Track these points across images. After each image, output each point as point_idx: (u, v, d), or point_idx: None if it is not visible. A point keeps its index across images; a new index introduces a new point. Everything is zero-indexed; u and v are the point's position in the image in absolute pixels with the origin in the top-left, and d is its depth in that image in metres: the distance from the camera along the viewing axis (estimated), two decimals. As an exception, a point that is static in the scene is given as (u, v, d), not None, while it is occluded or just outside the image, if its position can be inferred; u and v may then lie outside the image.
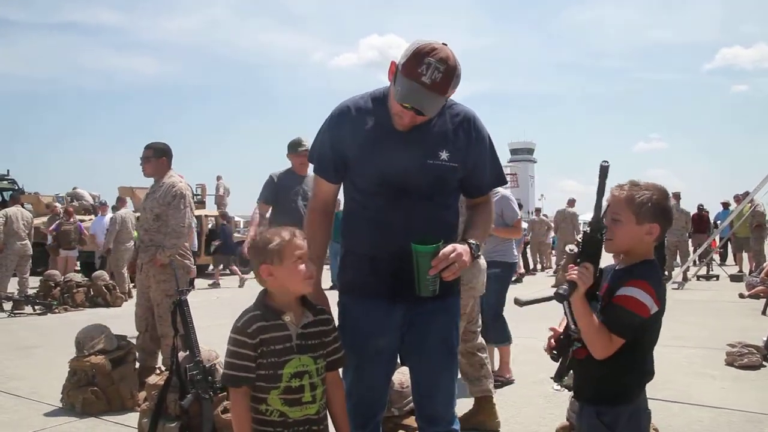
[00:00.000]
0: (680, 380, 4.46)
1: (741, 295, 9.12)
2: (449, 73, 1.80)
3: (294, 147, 4.75)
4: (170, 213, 4.32)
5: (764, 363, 4.93)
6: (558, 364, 1.84)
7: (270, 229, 1.90)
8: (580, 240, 1.75)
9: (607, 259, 1.81)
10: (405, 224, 1.91)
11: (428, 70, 1.78)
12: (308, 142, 4.41)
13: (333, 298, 2.06)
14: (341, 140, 2.00)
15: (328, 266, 10.81)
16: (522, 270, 14.46)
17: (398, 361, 2.32)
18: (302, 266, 1.82)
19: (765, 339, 5.09)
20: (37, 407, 4.02)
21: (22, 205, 10.44)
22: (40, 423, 3.72)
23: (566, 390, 1.89)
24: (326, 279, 2.36)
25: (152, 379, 3.34)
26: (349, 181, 2.07)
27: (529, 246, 15.81)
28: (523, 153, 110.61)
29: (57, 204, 14.42)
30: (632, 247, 1.80)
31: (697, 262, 12.68)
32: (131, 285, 9.20)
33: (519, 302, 1.79)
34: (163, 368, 3.88)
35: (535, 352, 4.23)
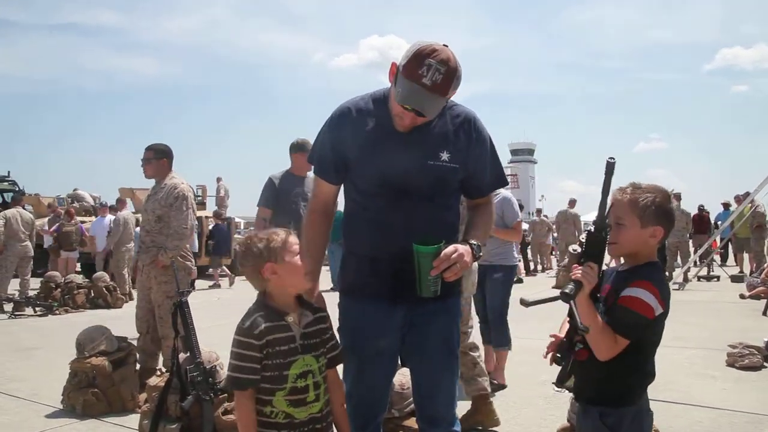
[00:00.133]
0: (681, 381, 4.46)
1: (742, 296, 9.12)
2: (450, 75, 1.80)
3: (300, 147, 4.73)
4: (172, 214, 4.32)
5: (765, 364, 4.92)
6: (560, 368, 1.83)
7: (261, 232, 1.91)
8: (583, 240, 1.75)
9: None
10: (405, 225, 1.92)
11: (429, 72, 1.78)
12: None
13: (331, 299, 2.06)
14: (342, 141, 2.01)
15: (326, 267, 10.86)
16: (523, 271, 14.46)
17: (398, 362, 2.32)
18: (300, 262, 1.85)
19: (766, 340, 5.08)
20: (37, 409, 4.01)
21: (23, 207, 10.45)
22: (41, 424, 3.72)
23: (567, 391, 1.88)
24: (326, 281, 2.35)
25: (153, 381, 3.34)
26: (349, 183, 2.07)
27: (529, 247, 15.81)
28: (523, 153, 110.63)
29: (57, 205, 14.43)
30: (637, 250, 1.80)
31: (698, 263, 12.68)
32: (132, 286, 9.22)
33: (525, 303, 1.78)
34: (163, 369, 3.87)
35: (536, 353, 4.22)
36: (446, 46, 1.83)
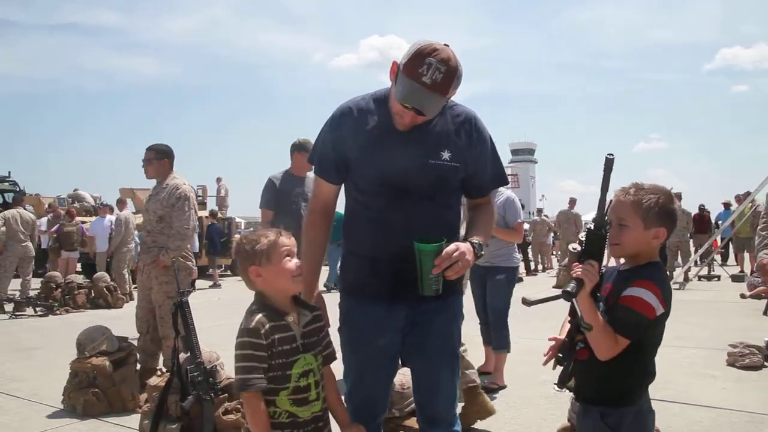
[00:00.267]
0: (681, 380, 4.46)
1: (742, 296, 9.11)
2: (450, 74, 1.80)
3: (301, 147, 4.72)
4: (174, 215, 4.33)
5: (766, 363, 4.92)
6: (561, 369, 1.82)
7: (255, 232, 1.91)
8: (583, 238, 1.74)
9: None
10: (406, 224, 1.91)
11: (429, 71, 1.78)
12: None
13: (331, 299, 2.06)
14: (342, 141, 2.00)
15: (326, 267, 10.86)
16: (523, 271, 14.45)
17: (399, 362, 2.32)
18: (290, 264, 1.83)
19: (766, 339, 5.08)
20: (38, 409, 4.02)
21: (24, 208, 10.45)
22: (41, 425, 3.72)
23: (567, 390, 1.87)
24: (321, 281, 2.35)
25: (153, 381, 3.34)
26: (350, 182, 2.07)
27: (530, 246, 15.80)
28: (523, 153, 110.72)
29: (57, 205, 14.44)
30: (639, 251, 1.79)
31: (699, 263, 12.68)
32: (132, 286, 9.22)
33: (527, 302, 1.78)
34: (164, 369, 3.87)
35: (536, 353, 4.21)
36: (447, 45, 1.83)
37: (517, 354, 4.55)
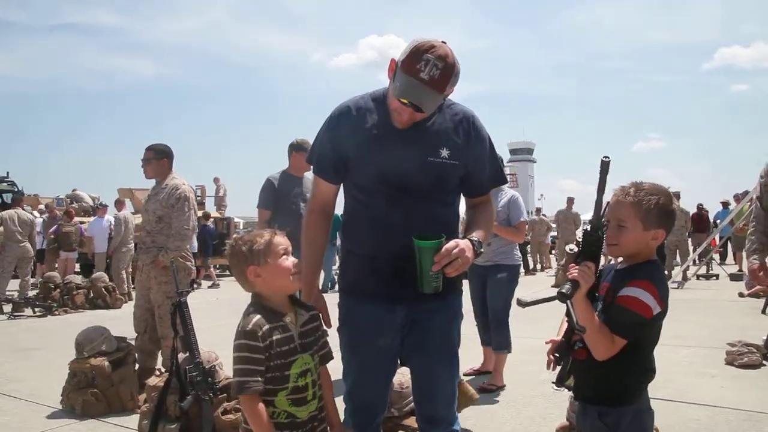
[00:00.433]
0: (680, 379, 4.46)
1: (741, 294, 9.11)
2: (447, 70, 1.81)
3: (300, 146, 4.71)
4: (174, 215, 4.33)
5: (764, 362, 4.92)
6: (559, 368, 1.83)
7: (249, 233, 1.91)
8: (579, 239, 1.74)
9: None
10: (405, 223, 1.91)
11: (426, 67, 1.79)
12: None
13: (331, 299, 2.06)
14: (342, 140, 2.00)
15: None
16: (522, 271, 14.43)
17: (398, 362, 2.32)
18: (288, 262, 1.84)
19: (765, 338, 5.08)
20: (37, 409, 4.01)
21: (23, 208, 10.44)
22: (40, 425, 3.71)
23: (566, 389, 1.87)
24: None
25: (152, 381, 3.34)
26: (350, 182, 2.07)
27: (529, 246, 15.80)
28: (522, 153, 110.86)
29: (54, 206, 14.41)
30: (637, 251, 1.79)
31: (697, 262, 12.69)
32: (131, 287, 9.21)
33: (522, 303, 1.78)
34: (162, 370, 3.87)
35: (535, 353, 4.22)
36: (444, 42, 1.84)
37: (517, 353, 4.55)
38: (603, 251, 1.76)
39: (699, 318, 7.22)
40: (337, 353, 2.03)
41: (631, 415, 1.77)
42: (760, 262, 3.90)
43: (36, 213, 13.54)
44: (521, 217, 4.42)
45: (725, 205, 14.90)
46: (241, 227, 19.96)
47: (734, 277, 11.84)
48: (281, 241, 1.86)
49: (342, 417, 2.09)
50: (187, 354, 2.94)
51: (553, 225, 16.73)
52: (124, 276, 10.29)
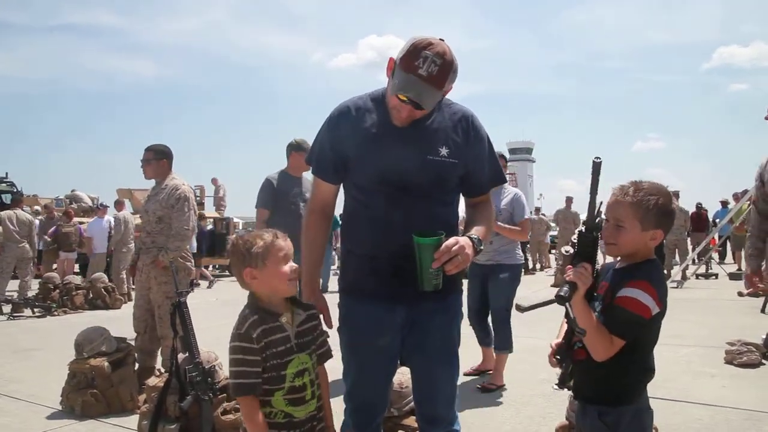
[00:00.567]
0: (679, 379, 4.47)
1: (740, 293, 9.12)
2: (446, 67, 1.82)
3: (298, 146, 4.70)
4: (174, 215, 4.33)
5: (763, 361, 4.93)
6: (561, 370, 1.83)
7: (250, 233, 1.91)
8: (575, 240, 1.74)
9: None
10: (405, 223, 1.91)
11: (425, 63, 1.79)
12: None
13: (331, 299, 2.06)
14: (341, 140, 2.01)
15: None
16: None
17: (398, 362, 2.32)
18: (286, 267, 1.83)
19: (764, 337, 5.09)
20: (36, 410, 4.01)
21: (22, 209, 10.43)
22: (40, 426, 3.71)
23: (566, 389, 1.88)
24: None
25: (152, 381, 3.34)
26: (349, 181, 2.07)
27: (528, 245, 15.80)
28: (522, 153, 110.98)
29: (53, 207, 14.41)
30: (635, 251, 1.78)
31: (696, 261, 12.70)
32: (131, 287, 9.21)
33: (520, 308, 1.77)
34: (162, 370, 3.87)
35: (535, 352, 4.23)
36: (442, 40, 1.85)
37: (516, 353, 4.55)
38: (601, 249, 1.76)
39: (698, 317, 7.22)
40: (337, 353, 2.03)
41: (631, 415, 1.77)
42: (752, 269, 3.92)
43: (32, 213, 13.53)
44: (525, 215, 4.41)
45: (724, 204, 14.91)
46: (240, 227, 19.97)
47: (733, 276, 11.85)
48: (282, 245, 1.84)
49: (342, 417, 2.10)
50: (187, 354, 2.94)
51: (553, 224, 16.75)
52: (124, 276, 10.28)
